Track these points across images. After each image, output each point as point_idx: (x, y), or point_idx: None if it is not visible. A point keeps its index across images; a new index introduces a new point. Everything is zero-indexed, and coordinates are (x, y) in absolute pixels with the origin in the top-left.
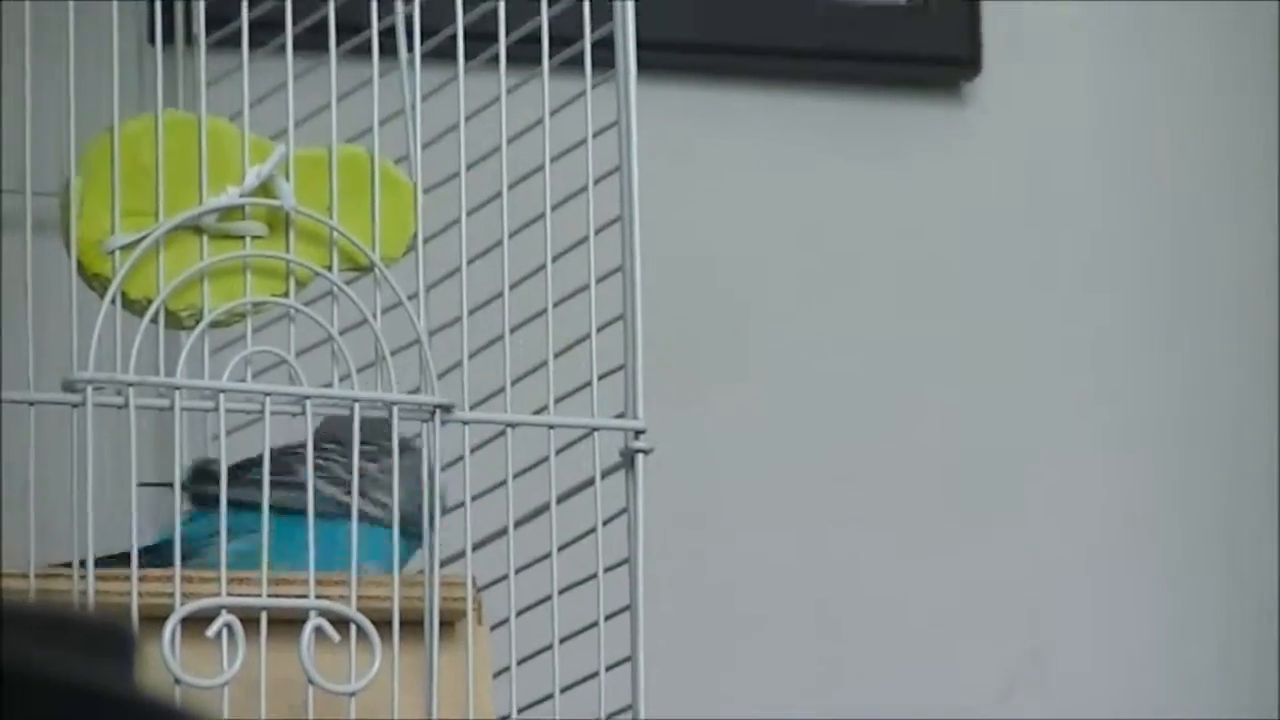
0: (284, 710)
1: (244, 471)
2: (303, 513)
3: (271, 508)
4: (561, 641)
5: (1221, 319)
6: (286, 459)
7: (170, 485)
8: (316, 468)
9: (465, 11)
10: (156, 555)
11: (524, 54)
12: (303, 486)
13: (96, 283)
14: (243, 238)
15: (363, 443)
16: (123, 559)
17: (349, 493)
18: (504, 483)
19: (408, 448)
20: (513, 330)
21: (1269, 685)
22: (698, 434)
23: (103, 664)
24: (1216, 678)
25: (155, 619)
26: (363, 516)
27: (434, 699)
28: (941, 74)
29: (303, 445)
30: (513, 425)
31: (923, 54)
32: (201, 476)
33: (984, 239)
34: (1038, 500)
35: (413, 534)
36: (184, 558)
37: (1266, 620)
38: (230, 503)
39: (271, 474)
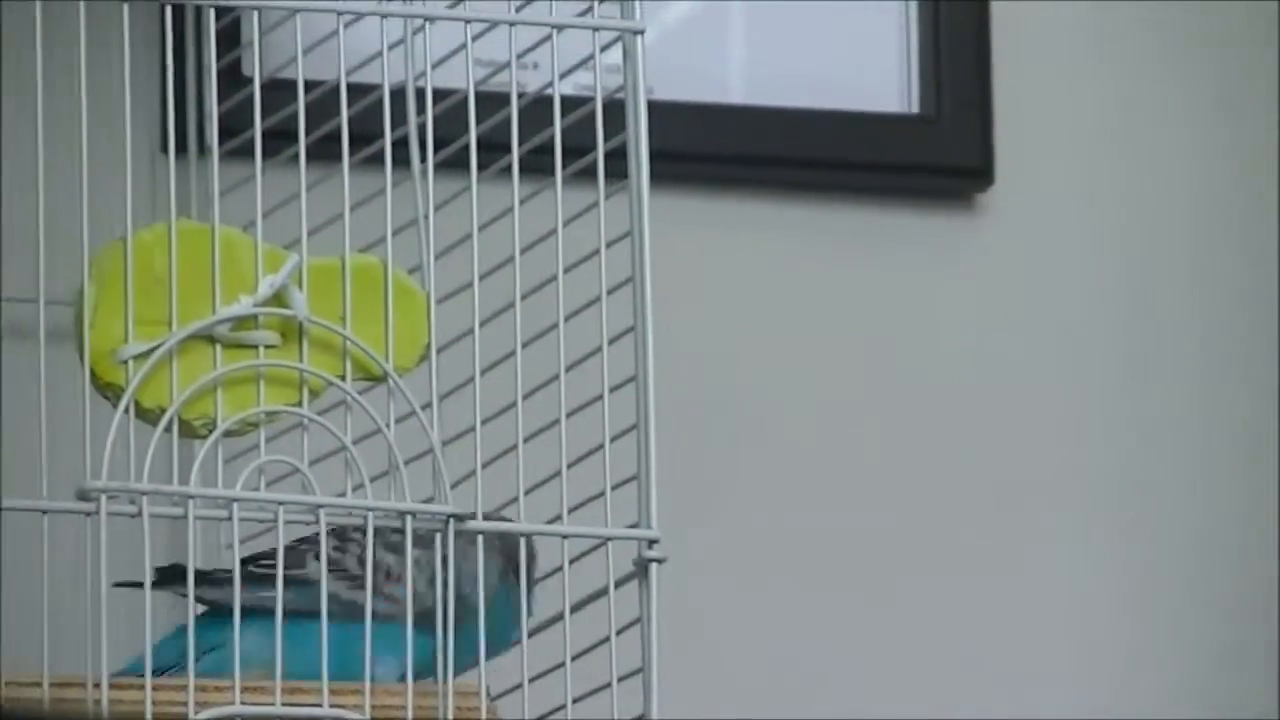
0: None
1: (252, 564)
2: (311, 614)
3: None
4: None
5: (1250, 431)
6: (300, 552)
7: (178, 587)
8: (330, 563)
9: (478, 122)
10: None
11: (537, 164)
12: (312, 583)
13: (109, 392)
14: (256, 347)
15: (391, 532)
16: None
17: (354, 588)
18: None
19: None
20: (526, 440)
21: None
22: (712, 542)
23: None
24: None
25: None
26: (376, 614)
27: None
28: (954, 185)
29: (315, 539)
30: (526, 535)
31: (935, 164)
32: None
33: (996, 350)
34: (1050, 608)
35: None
36: (174, 668)
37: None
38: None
39: (283, 568)
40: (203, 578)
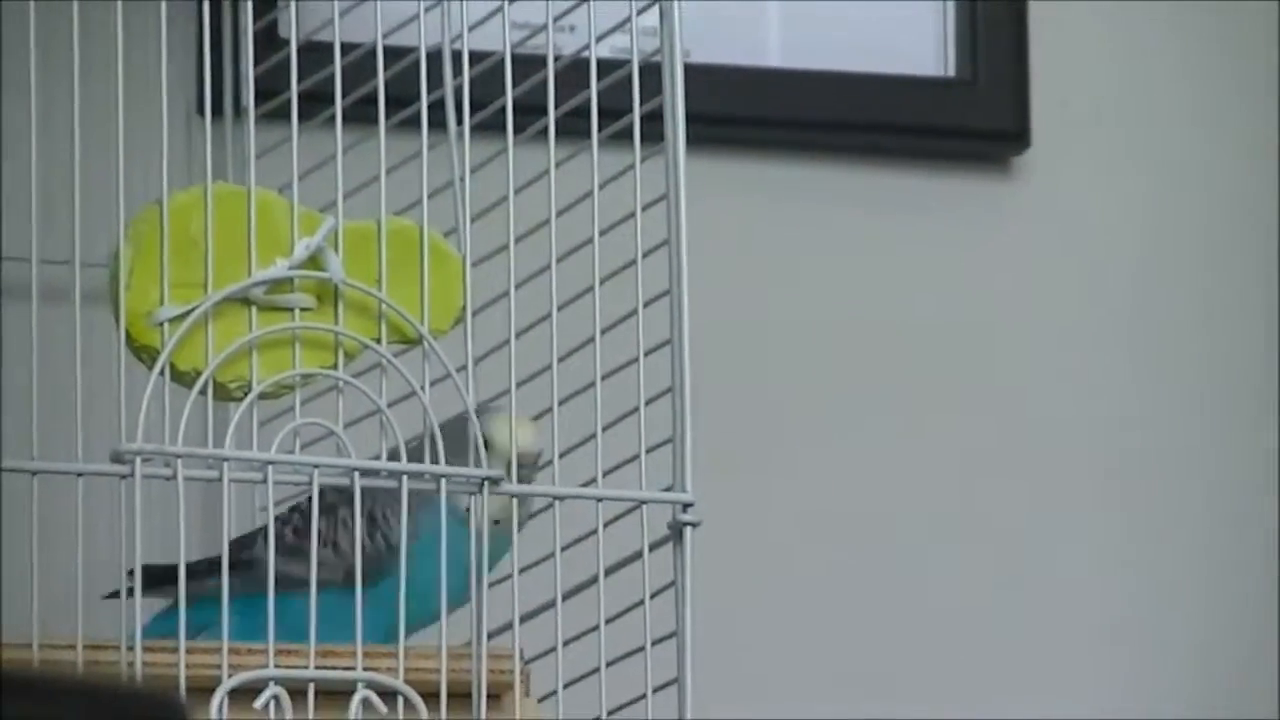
0: None
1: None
2: (258, 593)
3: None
4: (609, 714)
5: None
6: (254, 533)
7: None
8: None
9: (515, 84)
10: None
11: (573, 127)
12: (257, 563)
13: (145, 354)
14: (291, 310)
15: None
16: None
17: (289, 560)
18: (552, 555)
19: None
20: (561, 403)
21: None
22: (746, 506)
23: None
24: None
25: (203, 690)
26: (306, 583)
27: None
28: (990, 148)
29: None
30: (560, 498)
31: (972, 128)
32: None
33: (1034, 312)
34: (1078, 574)
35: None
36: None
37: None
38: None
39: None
40: (169, 575)
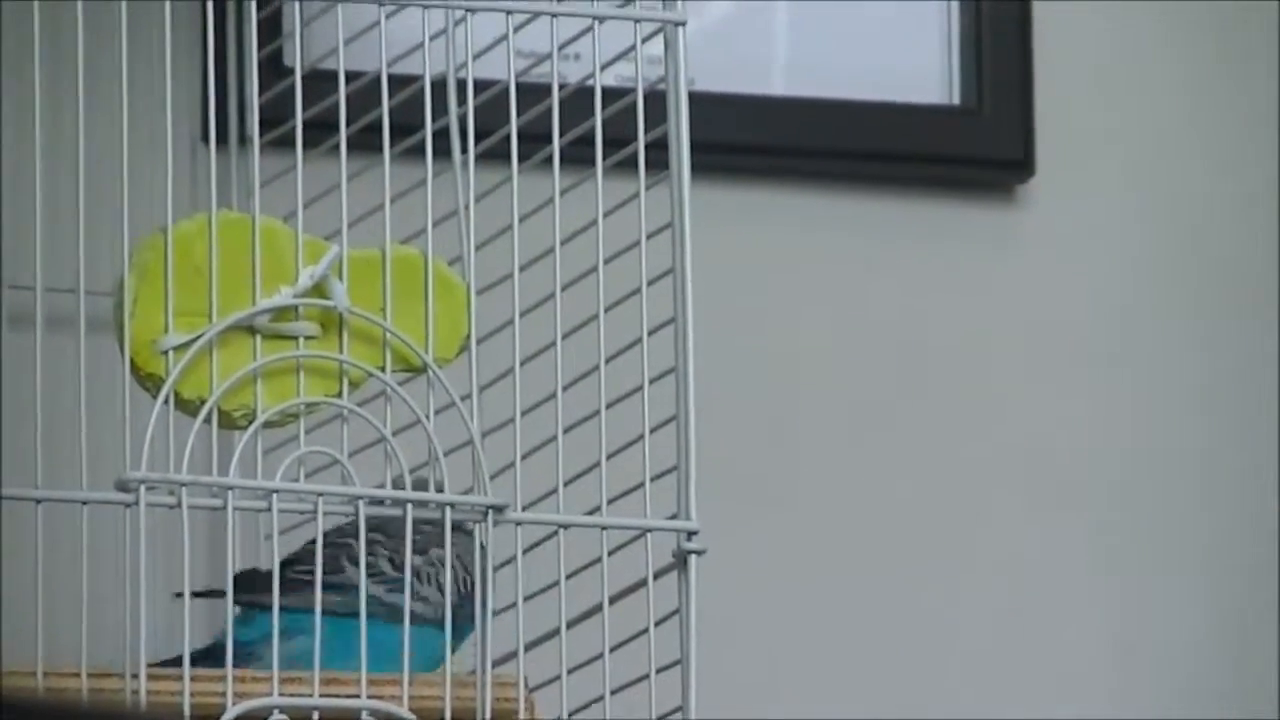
0: None
1: (292, 569)
2: (353, 615)
3: (323, 612)
4: None
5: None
6: (335, 553)
7: (221, 593)
8: (366, 566)
9: (519, 112)
10: (209, 658)
11: (578, 155)
12: (350, 587)
13: (149, 382)
14: (296, 338)
15: (416, 533)
16: (175, 663)
17: (393, 590)
18: (556, 583)
19: (460, 530)
20: (566, 431)
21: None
22: (751, 536)
23: None
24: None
25: (207, 719)
26: (411, 618)
27: None
28: (995, 176)
29: (347, 535)
30: (565, 526)
31: (976, 156)
32: (248, 584)
33: (1038, 339)
34: (1093, 616)
35: (458, 625)
36: (238, 660)
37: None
38: (282, 607)
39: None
40: (246, 582)
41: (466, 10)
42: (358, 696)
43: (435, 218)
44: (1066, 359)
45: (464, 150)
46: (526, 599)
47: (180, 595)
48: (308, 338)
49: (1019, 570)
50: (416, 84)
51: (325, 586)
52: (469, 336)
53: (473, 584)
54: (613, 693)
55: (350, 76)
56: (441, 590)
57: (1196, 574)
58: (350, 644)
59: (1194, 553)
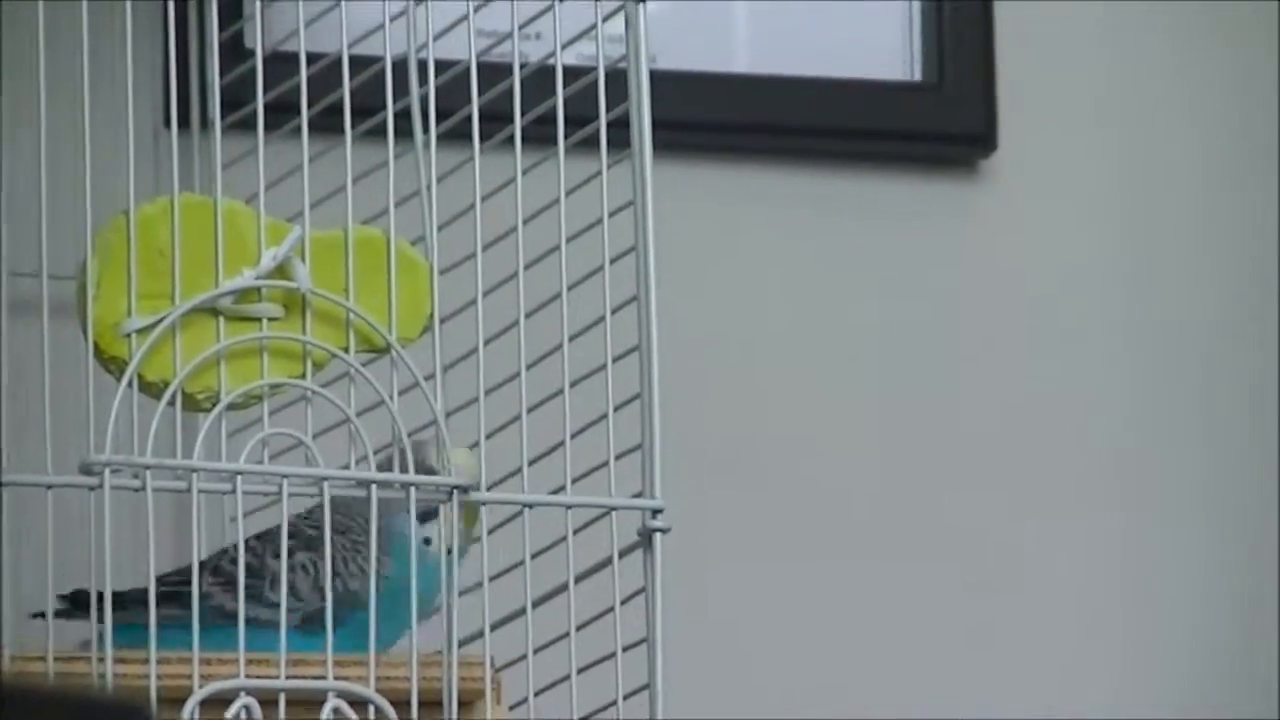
0: None
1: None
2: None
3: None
4: None
5: (1252, 396)
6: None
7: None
8: (218, 573)
9: (481, 92)
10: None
11: (540, 134)
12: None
13: (113, 365)
14: (259, 320)
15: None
16: None
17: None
18: (522, 563)
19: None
20: (530, 410)
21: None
22: (717, 514)
23: None
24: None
25: (175, 700)
26: (257, 620)
27: None
28: (957, 151)
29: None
30: (530, 505)
31: (938, 131)
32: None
33: (1002, 315)
34: (1052, 594)
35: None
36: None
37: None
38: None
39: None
40: (115, 600)
41: None
42: (324, 678)
43: (397, 198)
44: (1031, 333)
45: (425, 130)
46: (492, 579)
47: (50, 613)
48: (271, 319)
49: (986, 547)
50: (377, 65)
51: (175, 598)
52: (432, 316)
53: (357, 584)
54: (579, 671)
55: (311, 58)
56: (296, 594)
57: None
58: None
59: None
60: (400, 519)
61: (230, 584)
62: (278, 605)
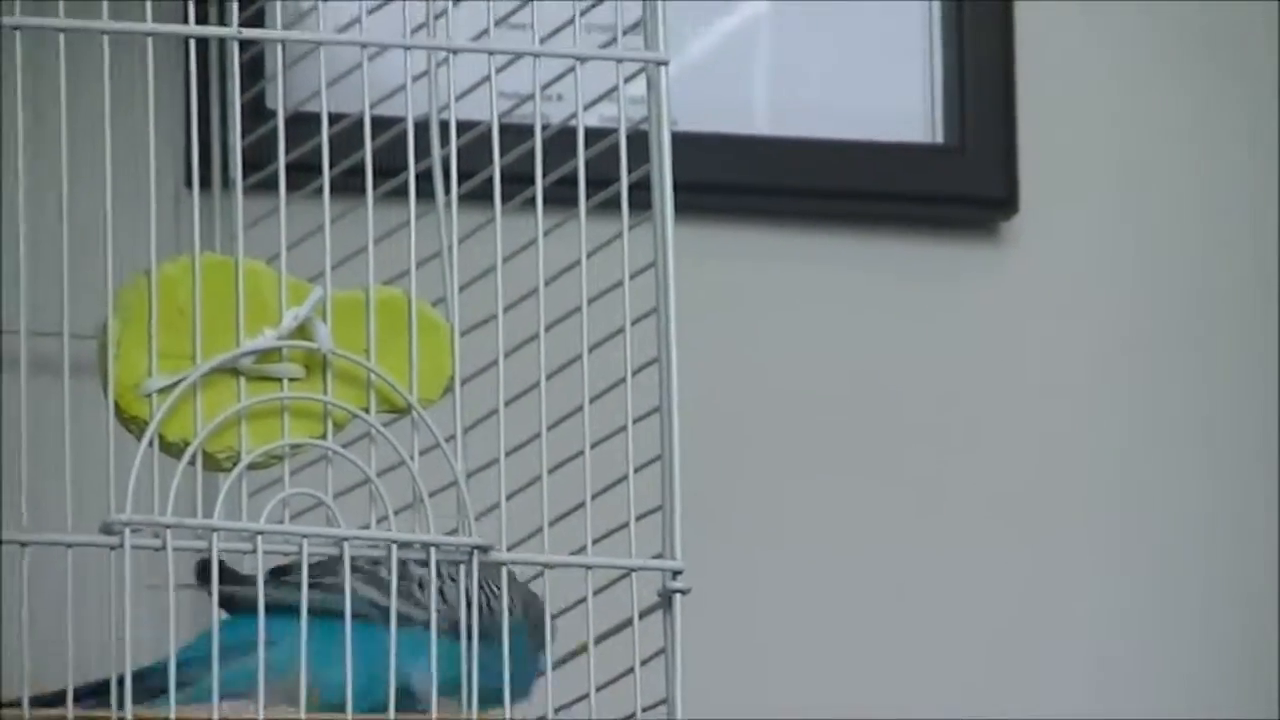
0: None
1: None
2: (338, 615)
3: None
4: None
5: (1261, 461)
6: (332, 561)
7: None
8: (365, 572)
9: (502, 154)
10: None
11: (561, 195)
12: (340, 589)
13: (134, 425)
14: (280, 380)
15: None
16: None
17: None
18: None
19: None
20: (550, 471)
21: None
22: (738, 575)
23: None
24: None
25: None
26: (410, 619)
27: None
28: (978, 214)
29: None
30: (550, 566)
31: (960, 194)
32: (223, 577)
33: (1025, 377)
34: (1073, 657)
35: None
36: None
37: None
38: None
39: (314, 575)
40: (233, 578)
41: (449, 52)
42: None
43: (418, 259)
44: (1053, 396)
45: (446, 191)
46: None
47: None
48: (292, 379)
49: (1009, 603)
50: (399, 126)
51: (317, 586)
52: (453, 377)
53: (501, 608)
54: None
55: (333, 119)
56: (444, 598)
57: (1193, 601)
58: (330, 648)
59: (1189, 578)
60: None
61: (374, 580)
62: (425, 606)
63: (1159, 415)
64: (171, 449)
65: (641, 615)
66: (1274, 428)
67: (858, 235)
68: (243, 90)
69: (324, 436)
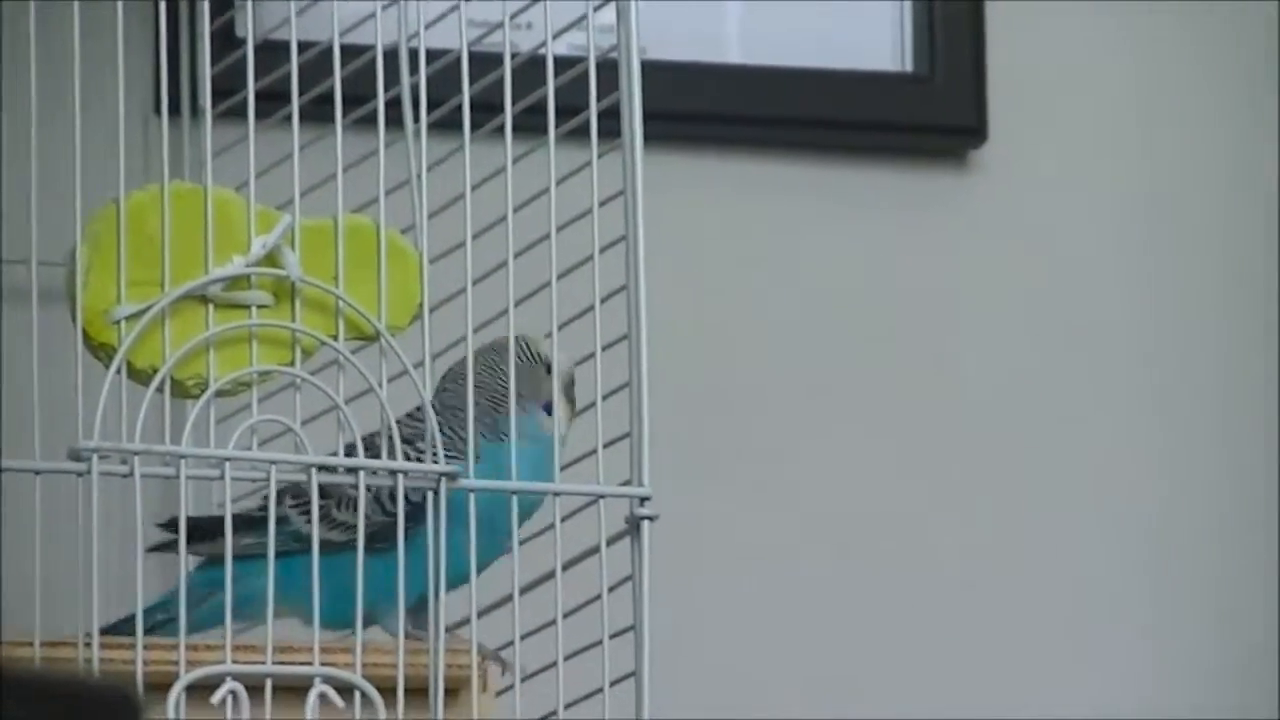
0: None
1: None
2: (293, 553)
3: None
4: (566, 708)
5: (1230, 387)
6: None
7: (174, 548)
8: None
9: (471, 82)
10: (155, 614)
11: (530, 123)
12: (284, 523)
13: (102, 352)
14: (249, 307)
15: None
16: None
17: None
18: (509, 549)
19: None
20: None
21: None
22: (706, 503)
23: None
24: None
25: (161, 686)
26: (333, 544)
27: None
28: (948, 143)
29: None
30: (517, 491)
31: (929, 123)
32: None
33: (992, 306)
34: (1046, 586)
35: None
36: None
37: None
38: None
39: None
40: (197, 531)
41: None
42: (310, 664)
43: (387, 187)
44: (1023, 322)
45: (416, 120)
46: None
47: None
48: (260, 307)
49: (976, 536)
50: (368, 54)
51: (255, 526)
52: (422, 305)
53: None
54: (566, 658)
55: (302, 47)
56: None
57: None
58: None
59: (1172, 520)
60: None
61: (309, 510)
62: (344, 525)
63: (1129, 342)
64: (140, 376)
65: (609, 542)
66: (1230, 344)
67: (827, 164)
68: (212, 18)
69: (292, 364)
